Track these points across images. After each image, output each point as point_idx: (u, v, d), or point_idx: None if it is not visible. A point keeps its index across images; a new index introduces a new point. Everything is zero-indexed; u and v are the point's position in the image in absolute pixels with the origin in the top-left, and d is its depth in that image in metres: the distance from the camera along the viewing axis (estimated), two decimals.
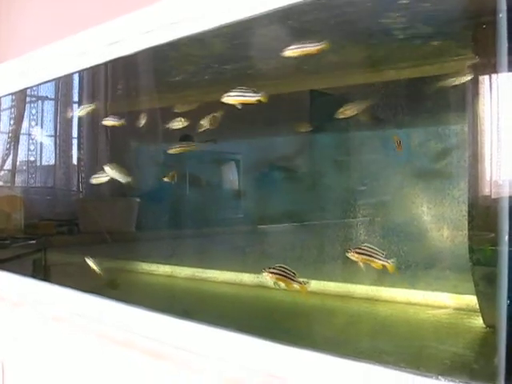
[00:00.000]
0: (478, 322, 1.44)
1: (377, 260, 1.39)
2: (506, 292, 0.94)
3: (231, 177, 2.94)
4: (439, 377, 0.96)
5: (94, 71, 2.64)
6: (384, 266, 1.39)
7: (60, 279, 2.20)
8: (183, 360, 1.35)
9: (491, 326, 1.32)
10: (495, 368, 0.92)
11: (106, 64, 1.90)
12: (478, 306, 1.43)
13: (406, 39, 1.54)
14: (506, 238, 0.93)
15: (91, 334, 1.62)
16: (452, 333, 1.46)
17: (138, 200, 2.94)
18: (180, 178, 2.80)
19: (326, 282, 1.82)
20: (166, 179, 2.25)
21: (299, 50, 1.43)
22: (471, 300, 1.55)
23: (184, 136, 3.00)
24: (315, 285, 1.80)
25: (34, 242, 2.91)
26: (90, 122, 3.35)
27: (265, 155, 2.60)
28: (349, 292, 1.80)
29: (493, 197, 1.01)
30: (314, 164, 2.25)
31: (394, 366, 1.02)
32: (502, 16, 0.94)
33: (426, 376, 0.97)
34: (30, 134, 3.48)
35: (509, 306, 0.93)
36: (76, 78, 3.27)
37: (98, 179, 2.24)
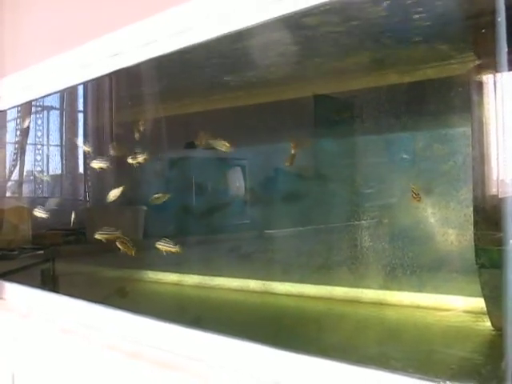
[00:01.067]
0: (486, 324, 1.43)
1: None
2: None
3: (237, 183, 2.94)
4: (447, 382, 0.95)
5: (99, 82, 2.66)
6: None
7: (68, 289, 2.20)
8: (192, 370, 1.34)
9: (499, 329, 1.31)
10: (502, 373, 0.92)
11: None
12: (485, 309, 1.43)
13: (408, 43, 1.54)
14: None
15: (100, 345, 1.62)
16: (460, 336, 1.45)
17: (144, 208, 2.95)
18: (186, 186, 2.81)
19: (332, 287, 1.82)
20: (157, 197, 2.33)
21: None
22: (479, 302, 1.54)
23: (189, 143, 3.02)
24: (322, 290, 1.81)
25: (41, 252, 2.92)
26: (96, 132, 3.37)
27: (270, 160, 2.60)
28: (356, 297, 1.80)
29: (496, 199, 1.00)
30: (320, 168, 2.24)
31: (402, 372, 1.02)
32: (501, 19, 0.94)
33: (433, 382, 0.97)
34: (36, 144, 3.50)
35: None
36: (83, 88, 3.29)
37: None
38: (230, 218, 2.78)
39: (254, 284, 2.08)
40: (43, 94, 2.41)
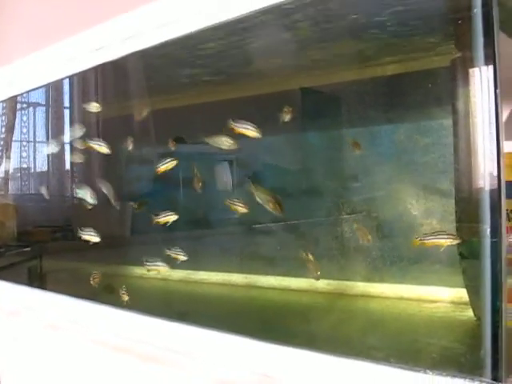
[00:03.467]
0: (469, 314, 1.44)
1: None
2: (489, 284, 0.95)
3: (224, 177, 2.93)
4: (427, 371, 0.97)
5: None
6: None
7: (56, 286, 2.20)
8: (178, 363, 1.35)
9: (480, 319, 1.32)
10: (481, 360, 0.93)
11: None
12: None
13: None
14: (488, 229, 0.94)
15: (86, 340, 1.62)
16: (442, 326, 1.47)
17: (132, 204, 2.93)
18: (173, 181, 2.80)
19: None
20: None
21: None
22: (463, 293, 1.55)
23: (176, 138, 3.01)
24: (305, 283, 1.82)
25: (28, 249, 2.90)
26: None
27: (258, 155, 2.59)
28: (340, 289, 1.81)
29: (476, 189, 1.02)
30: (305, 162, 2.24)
31: (383, 362, 1.03)
32: (477, 11, 0.94)
33: (414, 370, 0.98)
34: (21, 141, 3.47)
35: (492, 297, 0.94)
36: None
37: None
38: (219, 213, 2.77)
39: (237, 278, 2.08)
40: (27, 89, 2.40)
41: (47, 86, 3.10)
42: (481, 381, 0.92)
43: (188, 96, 2.60)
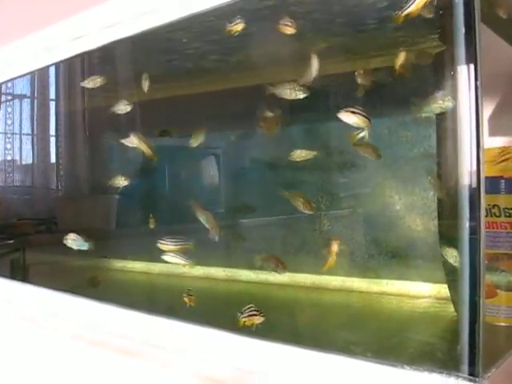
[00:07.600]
0: (450, 310, 1.44)
1: None
2: (467, 280, 0.94)
3: (210, 171, 2.92)
4: (404, 366, 0.96)
5: None
6: None
7: (38, 278, 2.18)
8: (161, 358, 1.34)
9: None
10: (458, 356, 0.93)
11: None
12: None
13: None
14: (467, 224, 0.93)
15: (62, 334, 1.61)
16: (422, 322, 1.47)
17: (116, 197, 2.91)
18: (158, 174, 2.78)
19: (297, 274, 1.83)
20: None
21: None
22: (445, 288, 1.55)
23: (162, 131, 2.98)
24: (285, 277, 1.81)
25: (11, 242, 2.88)
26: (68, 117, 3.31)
27: (243, 149, 2.58)
28: (321, 284, 1.80)
29: (455, 184, 1.01)
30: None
31: (360, 357, 1.02)
32: (458, 1, 0.93)
33: (391, 365, 0.98)
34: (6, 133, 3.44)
35: (471, 292, 0.93)
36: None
37: None
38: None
39: (217, 272, 2.08)
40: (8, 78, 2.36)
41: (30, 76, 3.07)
42: (457, 376, 0.91)
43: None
